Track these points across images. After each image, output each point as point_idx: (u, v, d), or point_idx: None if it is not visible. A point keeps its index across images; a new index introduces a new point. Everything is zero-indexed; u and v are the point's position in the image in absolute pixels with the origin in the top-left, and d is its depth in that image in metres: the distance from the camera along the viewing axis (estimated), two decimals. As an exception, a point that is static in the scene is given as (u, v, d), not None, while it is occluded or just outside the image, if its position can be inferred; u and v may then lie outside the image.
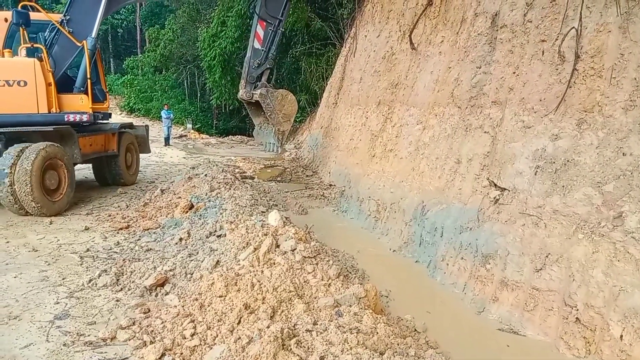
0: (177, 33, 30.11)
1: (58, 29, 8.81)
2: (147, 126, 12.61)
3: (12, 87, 8.08)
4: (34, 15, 8.90)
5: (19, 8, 8.81)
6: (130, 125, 11.56)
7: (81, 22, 8.88)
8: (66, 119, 8.48)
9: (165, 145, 19.62)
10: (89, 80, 8.87)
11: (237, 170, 12.78)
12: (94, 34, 8.90)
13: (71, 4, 9.01)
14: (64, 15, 8.93)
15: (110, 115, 10.66)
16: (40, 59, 8.25)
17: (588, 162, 4.45)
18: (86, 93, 8.93)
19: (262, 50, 10.97)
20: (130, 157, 11.19)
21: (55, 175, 8.08)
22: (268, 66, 11.28)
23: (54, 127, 8.30)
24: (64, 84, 8.91)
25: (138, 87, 31.33)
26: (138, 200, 8.98)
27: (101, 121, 10.09)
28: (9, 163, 7.38)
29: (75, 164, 8.70)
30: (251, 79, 11.34)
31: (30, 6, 9.41)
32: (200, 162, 14.44)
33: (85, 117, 8.64)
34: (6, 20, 8.87)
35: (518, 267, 4.68)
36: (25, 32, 8.58)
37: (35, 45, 8.56)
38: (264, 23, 10.78)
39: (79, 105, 8.61)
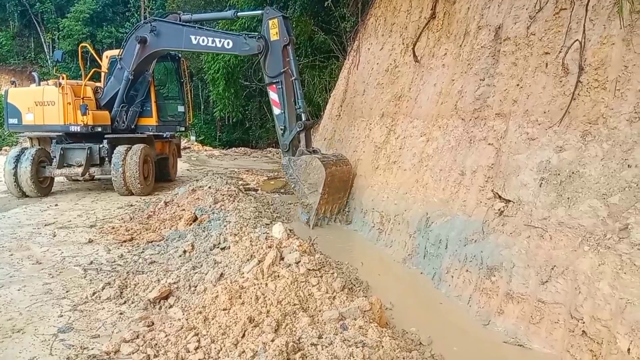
0: (181, 46, 30.26)
1: (116, 64, 11.80)
2: (180, 136, 16.15)
3: (48, 107, 11.06)
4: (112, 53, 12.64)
5: (81, 49, 12.40)
6: (173, 136, 14.43)
7: (128, 61, 11.54)
8: (69, 130, 11.14)
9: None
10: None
11: (240, 182, 12.83)
12: (130, 68, 11.50)
13: (124, 47, 11.64)
14: (119, 55, 11.75)
15: (186, 128, 14.95)
16: (57, 85, 11.01)
17: (593, 173, 4.43)
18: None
19: (282, 113, 9.35)
20: (173, 159, 14.51)
21: (147, 167, 11.58)
22: (297, 129, 9.18)
23: (146, 134, 12.39)
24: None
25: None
26: (141, 212, 8.98)
27: (168, 133, 13.70)
28: (121, 158, 10.90)
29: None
30: (284, 147, 9.49)
31: (86, 49, 13.02)
32: (204, 174, 14.55)
33: (77, 129, 11.09)
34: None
35: (523, 280, 4.65)
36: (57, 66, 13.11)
37: (62, 76, 11.46)
38: (274, 86, 9.39)
39: (80, 119, 11.09)
